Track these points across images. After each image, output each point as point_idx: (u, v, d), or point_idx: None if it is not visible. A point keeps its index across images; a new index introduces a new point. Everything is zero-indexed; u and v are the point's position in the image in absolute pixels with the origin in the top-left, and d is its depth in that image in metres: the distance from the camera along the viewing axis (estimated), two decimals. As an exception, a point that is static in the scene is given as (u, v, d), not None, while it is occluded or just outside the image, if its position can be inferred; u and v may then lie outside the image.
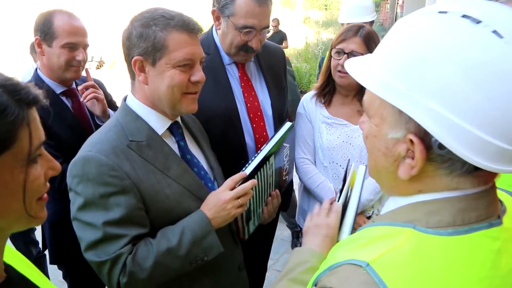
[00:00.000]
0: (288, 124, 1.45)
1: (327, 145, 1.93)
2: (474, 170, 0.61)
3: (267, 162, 1.34)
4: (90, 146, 1.15)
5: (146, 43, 1.13)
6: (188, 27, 1.16)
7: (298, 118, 2.05)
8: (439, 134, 0.58)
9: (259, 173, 1.30)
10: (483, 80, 0.55)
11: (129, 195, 1.13)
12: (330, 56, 1.90)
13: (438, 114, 0.57)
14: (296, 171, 2.01)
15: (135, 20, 1.17)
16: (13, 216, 0.68)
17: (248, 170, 1.27)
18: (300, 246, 1.03)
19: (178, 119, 1.33)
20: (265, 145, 1.38)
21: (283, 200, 1.64)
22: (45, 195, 0.73)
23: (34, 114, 0.68)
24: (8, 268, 0.76)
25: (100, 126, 1.46)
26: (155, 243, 1.15)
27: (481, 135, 0.56)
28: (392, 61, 0.64)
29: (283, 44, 5.02)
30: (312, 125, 1.99)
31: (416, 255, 0.60)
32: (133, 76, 1.22)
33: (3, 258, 0.75)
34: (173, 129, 1.30)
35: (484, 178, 0.64)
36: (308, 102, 2.01)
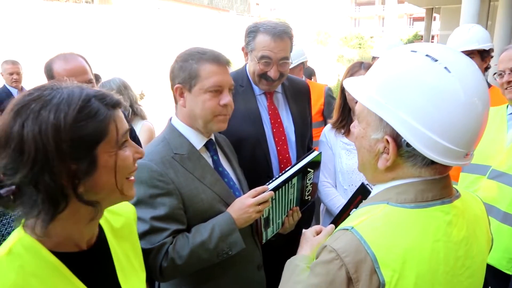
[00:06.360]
0: (315, 153, 1.63)
1: (347, 169, 2.13)
2: (431, 163, 0.83)
3: (290, 182, 1.55)
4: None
5: (184, 73, 1.43)
6: (217, 59, 1.45)
7: (320, 146, 2.29)
8: (406, 135, 0.80)
9: (280, 189, 1.52)
10: (435, 99, 0.78)
11: (172, 197, 1.37)
12: (342, 94, 2.17)
13: (405, 121, 0.80)
14: (318, 194, 2.19)
15: (178, 57, 1.48)
16: (108, 189, 0.86)
17: (271, 185, 1.49)
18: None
19: (212, 137, 1.59)
20: (290, 167, 1.59)
21: (305, 218, 1.84)
22: (132, 177, 0.93)
23: (118, 113, 0.88)
24: (99, 241, 0.96)
25: None
26: (191, 236, 1.38)
27: (433, 137, 0.79)
28: (376, 82, 0.87)
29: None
30: (333, 151, 2.21)
31: (388, 220, 0.82)
32: (176, 101, 1.51)
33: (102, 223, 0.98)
34: (208, 145, 1.56)
35: (439, 170, 0.86)
36: (329, 132, 2.26)
